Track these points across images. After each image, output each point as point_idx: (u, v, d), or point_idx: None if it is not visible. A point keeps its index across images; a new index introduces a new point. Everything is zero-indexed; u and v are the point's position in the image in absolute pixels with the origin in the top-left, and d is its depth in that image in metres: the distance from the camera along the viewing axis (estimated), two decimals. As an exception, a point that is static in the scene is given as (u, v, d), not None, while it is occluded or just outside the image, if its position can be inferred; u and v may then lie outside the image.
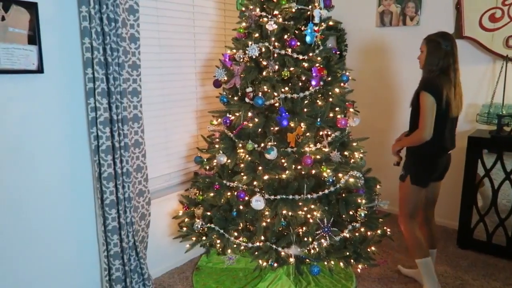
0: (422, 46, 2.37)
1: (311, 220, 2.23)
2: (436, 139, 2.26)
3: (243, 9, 2.44)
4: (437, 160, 2.40)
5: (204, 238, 2.48)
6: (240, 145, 2.34)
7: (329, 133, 2.30)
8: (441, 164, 2.45)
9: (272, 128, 2.28)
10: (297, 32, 2.28)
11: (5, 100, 1.89)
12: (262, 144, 2.26)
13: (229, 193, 2.42)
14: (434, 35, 2.32)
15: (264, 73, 2.32)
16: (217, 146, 2.48)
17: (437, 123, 2.24)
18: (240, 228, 2.41)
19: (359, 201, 2.28)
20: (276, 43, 2.27)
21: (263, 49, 2.29)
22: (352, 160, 2.38)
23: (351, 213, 2.30)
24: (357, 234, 2.30)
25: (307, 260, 2.27)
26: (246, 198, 2.30)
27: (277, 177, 2.24)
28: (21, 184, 2.00)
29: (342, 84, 2.34)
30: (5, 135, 1.91)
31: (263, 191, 2.25)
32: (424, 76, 2.34)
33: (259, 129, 2.32)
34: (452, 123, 2.39)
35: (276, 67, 2.26)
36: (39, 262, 2.13)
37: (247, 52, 2.29)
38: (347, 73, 2.37)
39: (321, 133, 2.29)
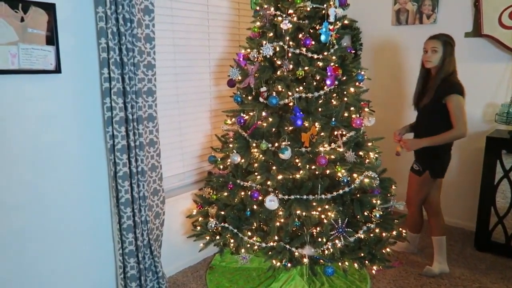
0: (436, 45, 2.50)
1: (325, 221, 2.21)
2: None
3: (258, 8, 2.44)
4: (450, 153, 2.67)
5: (217, 237, 2.49)
6: (254, 144, 2.34)
7: (344, 133, 2.28)
8: None
9: (286, 128, 2.27)
10: (311, 31, 2.27)
11: (24, 100, 1.93)
12: (276, 144, 2.25)
13: (243, 193, 2.42)
14: (448, 37, 2.51)
15: (278, 73, 2.31)
16: (231, 145, 2.48)
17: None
18: (253, 227, 2.41)
19: (374, 201, 2.25)
20: (290, 42, 2.26)
21: (278, 49, 2.28)
22: (367, 160, 2.35)
23: (366, 213, 2.27)
24: (372, 235, 2.27)
25: (321, 260, 2.25)
26: (260, 197, 2.29)
27: (291, 177, 2.23)
28: (38, 182, 2.04)
29: (357, 84, 2.32)
30: (23, 134, 1.95)
31: (277, 191, 2.24)
32: (445, 78, 2.49)
33: (273, 129, 2.31)
34: None
35: (291, 66, 2.25)
36: (56, 259, 2.16)
37: (261, 51, 2.29)
38: (362, 72, 2.34)
39: (335, 133, 2.27)
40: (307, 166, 2.20)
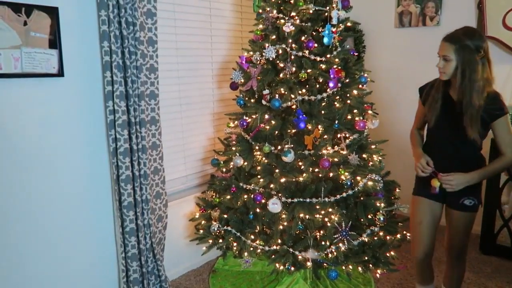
0: (447, 52, 1.86)
1: (328, 224, 2.20)
2: None
3: (260, 11, 2.44)
4: None
5: (220, 240, 2.48)
6: (257, 147, 2.33)
7: (347, 135, 2.27)
8: None
9: (289, 131, 2.26)
10: (314, 33, 2.26)
11: (27, 103, 1.93)
12: (279, 147, 2.24)
13: (245, 196, 2.41)
14: (468, 36, 1.85)
15: (281, 75, 2.30)
16: (233, 148, 2.47)
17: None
18: (256, 231, 2.39)
19: (378, 204, 2.24)
20: (293, 45, 2.26)
21: (280, 51, 2.28)
22: (371, 163, 2.34)
23: (369, 217, 2.26)
24: (376, 238, 2.26)
25: (325, 264, 2.24)
26: (263, 201, 2.28)
27: (294, 180, 2.22)
28: (41, 185, 2.04)
29: (360, 86, 2.31)
30: (26, 137, 1.95)
31: (280, 194, 2.23)
32: (494, 92, 1.92)
33: (276, 132, 2.30)
34: None
35: (293, 69, 2.24)
36: (58, 262, 2.16)
37: (264, 54, 2.28)
38: (365, 75, 2.33)
39: (339, 135, 2.26)
40: (310, 169, 2.19)
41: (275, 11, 2.32)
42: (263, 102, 2.31)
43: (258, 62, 2.38)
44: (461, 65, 1.84)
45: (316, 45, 2.21)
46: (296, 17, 2.26)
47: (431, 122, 2.04)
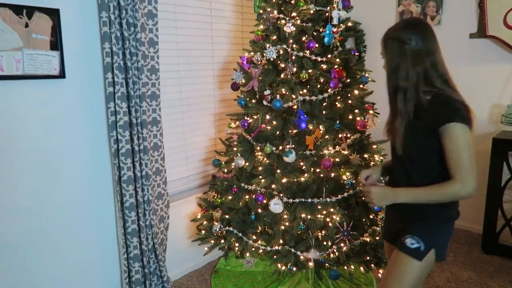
0: (381, 48, 1.54)
1: (330, 224, 2.20)
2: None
3: (261, 11, 2.44)
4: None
5: (222, 241, 2.48)
6: (258, 148, 2.33)
7: (349, 135, 2.27)
8: None
9: (290, 131, 2.26)
10: (315, 33, 2.27)
11: (28, 105, 1.94)
12: (280, 147, 2.25)
13: (247, 196, 2.42)
14: (398, 28, 1.50)
15: (282, 76, 2.31)
16: (235, 149, 2.48)
17: None
18: (258, 231, 2.40)
19: (380, 204, 2.24)
20: (294, 45, 2.26)
21: (281, 51, 2.28)
22: (372, 163, 2.34)
23: (371, 216, 2.26)
24: (377, 238, 2.26)
25: (327, 264, 2.24)
26: (265, 201, 2.28)
27: (295, 180, 2.22)
28: (43, 187, 2.04)
29: (361, 86, 2.31)
30: (28, 138, 1.96)
31: (281, 194, 2.23)
32: (447, 94, 1.44)
33: (277, 132, 2.30)
34: None
35: (294, 69, 2.24)
36: (60, 263, 2.16)
37: (265, 54, 2.29)
38: (367, 75, 2.33)
39: (340, 135, 2.26)
40: (312, 169, 2.19)
41: (275, 12, 2.32)
42: (264, 102, 2.31)
43: (259, 62, 2.38)
44: (385, 59, 1.53)
45: (317, 45, 2.21)
46: (297, 18, 2.26)
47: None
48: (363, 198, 1.66)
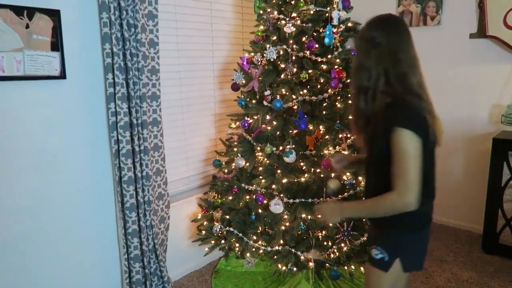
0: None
1: (330, 224, 2.20)
2: (427, 197, 1.38)
3: (261, 12, 2.44)
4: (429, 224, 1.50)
5: (223, 241, 2.48)
6: (259, 148, 2.34)
7: (349, 135, 2.27)
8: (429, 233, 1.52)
9: (290, 131, 2.27)
10: (315, 34, 2.27)
11: (29, 106, 1.94)
12: (281, 147, 2.25)
13: (247, 197, 2.42)
14: (367, 25, 1.50)
15: (282, 76, 2.31)
16: (235, 149, 2.48)
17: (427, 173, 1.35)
18: (259, 231, 2.40)
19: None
20: (294, 46, 2.26)
21: (281, 52, 2.28)
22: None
23: (371, 217, 2.26)
24: (378, 238, 2.26)
25: (327, 264, 2.24)
26: (265, 201, 2.29)
27: (296, 180, 2.23)
28: (43, 187, 2.04)
29: (361, 86, 2.31)
30: (28, 139, 1.96)
31: (281, 195, 2.23)
32: (402, 99, 1.35)
33: (278, 132, 2.31)
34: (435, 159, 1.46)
35: (295, 69, 2.25)
36: (60, 264, 2.16)
37: (265, 55, 2.29)
38: (367, 75, 2.33)
39: (340, 135, 2.26)
40: (312, 169, 2.19)
41: (276, 12, 2.33)
42: (265, 103, 2.31)
43: (259, 63, 2.38)
44: (356, 57, 1.48)
45: (317, 45, 2.22)
46: (297, 18, 2.27)
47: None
48: (318, 216, 1.60)
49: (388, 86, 1.36)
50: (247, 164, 2.37)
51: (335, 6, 2.22)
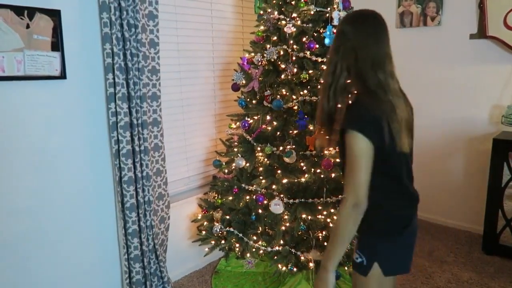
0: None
1: (331, 224, 2.20)
2: (394, 198, 1.37)
3: (261, 12, 2.44)
4: (413, 228, 1.45)
5: (223, 241, 2.48)
6: (259, 148, 2.34)
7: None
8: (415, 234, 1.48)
9: (290, 131, 2.27)
10: (315, 34, 2.27)
11: (29, 106, 1.94)
12: (281, 148, 2.25)
13: (248, 197, 2.42)
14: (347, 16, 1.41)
15: (282, 76, 2.31)
16: (235, 149, 2.48)
17: (390, 174, 1.35)
18: (259, 232, 2.40)
19: (380, 205, 2.24)
20: (294, 46, 2.26)
21: (282, 52, 2.28)
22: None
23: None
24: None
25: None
26: (265, 201, 2.29)
27: (296, 180, 2.22)
28: (43, 187, 2.04)
29: (361, 86, 2.31)
30: (29, 139, 1.96)
31: (282, 195, 2.23)
32: (362, 99, 1.37)
33: (278, 133, 2.31)
34: (407, 163, 1.42)
35: (295, 70, 2.25)
36: (60, 264, 2.16)
37: (265, 55, 2.29)
38: (367, 75, 2.33)
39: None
40: (312, 169, 2.19)
41: (276, 12, 2.33)
42: (265, 103, 2.31)
43: (260, 63, 2.38)
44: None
45: (317, 46, 2.22)
46: (297, 18, 2.27)
47: None
48: None
49: (350, 84, 1.35)
50: (247, 164, 2.36)
51: (335, 6, 2.22)
